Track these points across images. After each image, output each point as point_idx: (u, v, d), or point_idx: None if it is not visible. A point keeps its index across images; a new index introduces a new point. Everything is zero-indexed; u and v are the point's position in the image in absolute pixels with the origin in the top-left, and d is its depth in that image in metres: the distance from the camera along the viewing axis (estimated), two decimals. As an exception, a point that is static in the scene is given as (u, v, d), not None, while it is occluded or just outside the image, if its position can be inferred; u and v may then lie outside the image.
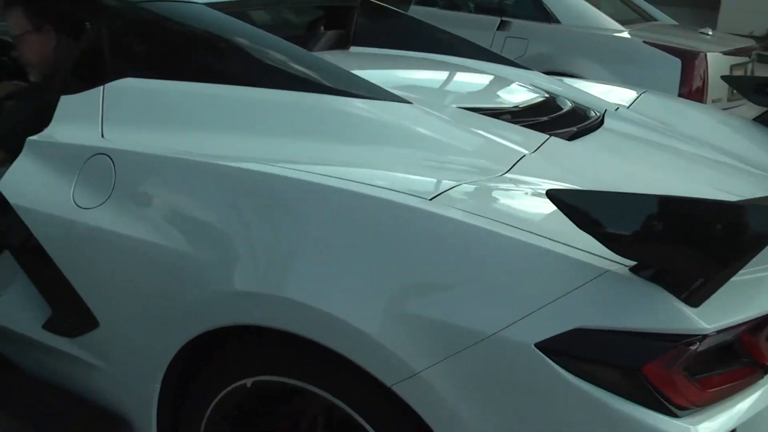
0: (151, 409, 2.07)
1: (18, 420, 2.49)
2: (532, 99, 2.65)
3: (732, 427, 1.56)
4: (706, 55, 5.49)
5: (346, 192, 1.78)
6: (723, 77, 3.83)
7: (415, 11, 6.60)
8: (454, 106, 2.36)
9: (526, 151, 2.10)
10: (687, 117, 3.10)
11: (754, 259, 1.48)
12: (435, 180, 1.87)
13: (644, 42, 5.72)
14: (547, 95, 2.74)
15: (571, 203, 1.51)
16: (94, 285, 2.12)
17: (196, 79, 2.27)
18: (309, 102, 2.16)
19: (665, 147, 2.60)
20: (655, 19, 6.94)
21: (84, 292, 2.12)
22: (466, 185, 1.84)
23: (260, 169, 1.91)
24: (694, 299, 1.48)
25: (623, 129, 2.66)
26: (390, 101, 2.19)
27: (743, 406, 1.60)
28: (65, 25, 2.58)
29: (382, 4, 3.43)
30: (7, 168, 2.28)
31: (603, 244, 1.48)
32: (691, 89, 5.40)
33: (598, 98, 2.98)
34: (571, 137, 2.35)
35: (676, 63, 5.44)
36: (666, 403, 1.48)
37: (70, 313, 2.19)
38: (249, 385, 1.89)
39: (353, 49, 3.33)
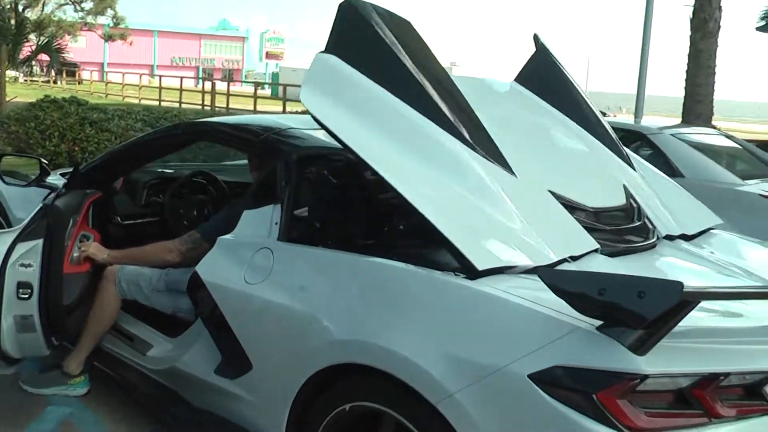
0: (281, 430, 2.90)
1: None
2: (612, 204, 3.42)
3: None
4: None
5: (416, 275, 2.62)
6: None
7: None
8: (547, 189, 3.18)
9: (569, 259, 2.83)
10: (744, 251, 3.70)
11: (703, 332, 2.18)
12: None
13: (760, 195, 6.20)
14: (629, 204, 3.50)
15: (553, 281, 2.25)
16: (251, 337, 3.03)
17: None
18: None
19: (700, 268, 3.22)
20: None
21: (245, 342, 3.04)
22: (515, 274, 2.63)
23: (358, 258, 2.80)
24: (640, 349, 2.15)
25: (668, 254, 3.31)
26: (500, 167, 3.06)
27: None
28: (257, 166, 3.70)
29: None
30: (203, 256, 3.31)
31: (574, 309, 2.21)
32: (805, 240, 5.74)
33: (668, 217, 3.64)
34: (615, 254, 3.05)
35: None
36: (615, 422, 2.14)
37: (234, 359, 3.09)
38: (347, 408, 2.69)
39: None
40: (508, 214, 2.85)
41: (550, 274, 2.27)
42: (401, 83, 3.08)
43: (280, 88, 36.12)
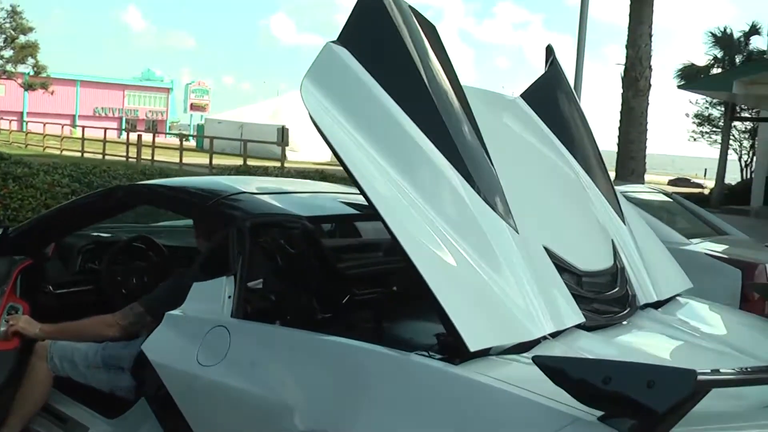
0: None
1: None
2: (599, 266, 3.22)
3: None
4: (765, 266, 5.84)
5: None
6: (751, 283, 4.18)
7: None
8: (542, 244, 2.93)
9: (548, 335, 2.66)
10: (713, 319, 3.61)
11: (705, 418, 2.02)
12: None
13: (707, 254, 6.16)
14: (615, 266, 3.30)
15: (552, 368, 2.07)
16: (205, 425, 2.76)
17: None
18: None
19: (681, 342, 3.10)
20: (727, 234, 7.39)
21: (198, 430, 2.76)
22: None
23: (323, 339, 2.58)
24: None
25: (647, 326, 3.17)
26: (507, 224, 2.76)
27: None
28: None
29: None
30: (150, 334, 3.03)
31: (574, 398, 2.03)
32: (753, 298, 5.69)
33: (647, 282, 3.47)
34: (594, 327, 2.89)
35: (737, 273, 5.78)
36: None
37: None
38: None
39: None
40: (505, 282, 2.60)
41: (547, 361, 2.09)
42: (414, 100, 2.74)
43: (206, 141, 35.73)
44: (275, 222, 3.33)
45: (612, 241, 3.44)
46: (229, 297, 2.96)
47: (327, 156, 44.96)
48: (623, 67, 12.89)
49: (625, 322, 3.09)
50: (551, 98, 3.83)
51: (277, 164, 25.29)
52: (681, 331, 3.19)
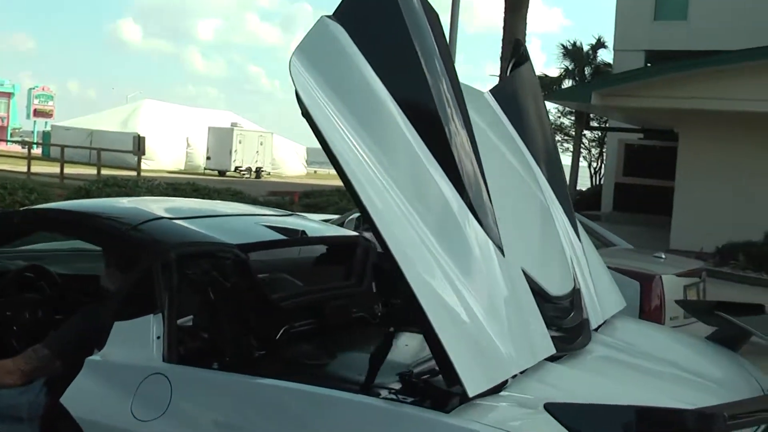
0: None
1: None
2: (563, 290, 3.09)
3: None
4: (661, 277, 6.00)
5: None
6: (677, 301, 4.25)
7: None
8: (520, 266, 2.75)
9: (519, 374, 2.48)
10: (650, 338, 3.56)
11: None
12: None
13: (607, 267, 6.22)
14: (574, 289, 3.17)
15: (568, 415, 1.90)
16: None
17: None
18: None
19: (636, 367, 3.02)
20: (615, 245, 7.55)
21: None
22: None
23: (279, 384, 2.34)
24: None
25: (601, 352, 3.07)
26: (496, 245, 2.58)
27: None
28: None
29: None
30: (69, 384, 2.65)
31: None
32: (651, 308, 5.82)
33: (596, 304, 3.38)
34: (556, 357, 2.75)
35: (635, 285, 5.88)
36: None
37: None
38: None
39: None
40: (494, 316, 2.40)
41: (562, 409, 1.92)
42: (411, 93, 2.50)
43: (53, 149, 33.85)
44: (203, 252, 3.02)
45: (570, 260, 3.32)
46: (158, 338, 2.64)
47: (181, 164, 43.71)
48: (497, 78, 13.11)
49: (582, 351, 2.98)
50: (518, 97, 3.65)
51: (134, 173, 24.24)
52: (633, 356, 3.13)
